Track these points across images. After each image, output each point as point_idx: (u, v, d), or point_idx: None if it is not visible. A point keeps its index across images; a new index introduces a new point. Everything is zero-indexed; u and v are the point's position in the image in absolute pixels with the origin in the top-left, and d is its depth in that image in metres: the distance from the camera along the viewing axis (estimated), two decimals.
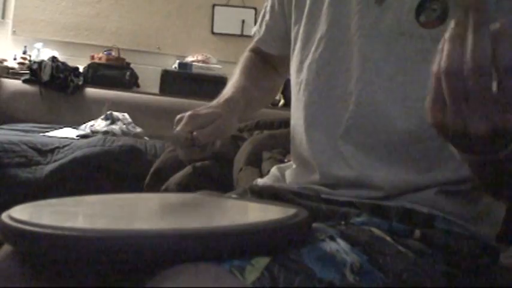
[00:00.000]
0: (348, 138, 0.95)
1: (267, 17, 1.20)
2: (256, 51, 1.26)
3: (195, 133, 0.94)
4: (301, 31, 1.06)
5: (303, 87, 1.03)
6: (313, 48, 1.02)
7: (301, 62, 1.04)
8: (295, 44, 1.08)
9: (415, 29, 0.90)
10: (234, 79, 1.18)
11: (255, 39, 1.24)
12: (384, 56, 0.93)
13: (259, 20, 1.24)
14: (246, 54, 1.28)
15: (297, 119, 1.06)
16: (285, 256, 0.67)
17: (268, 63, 1.25)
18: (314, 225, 0.79)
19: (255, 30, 1.25)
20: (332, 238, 0.76)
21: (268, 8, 1.19)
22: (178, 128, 0.96)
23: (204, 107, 1.02)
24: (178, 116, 0.98)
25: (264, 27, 1.21)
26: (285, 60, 1.15)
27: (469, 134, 0.60)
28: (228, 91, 1.11)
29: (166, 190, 2.34)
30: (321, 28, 1.01)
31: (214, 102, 1.06)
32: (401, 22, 0.91)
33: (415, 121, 0.91)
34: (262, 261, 0.64)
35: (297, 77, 1.05)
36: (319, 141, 0.99)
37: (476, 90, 0.57)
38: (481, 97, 0.57)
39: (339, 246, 0.74)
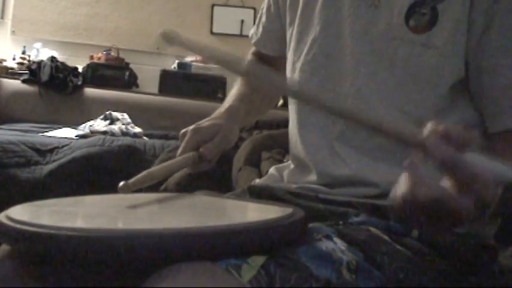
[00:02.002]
0: (343, 140, 0.96)
1: (264, 18, 1.21)
2: (257, 55, 1.27)
3: (201, 149, 0.98)
4: (294, 32, 1.06)
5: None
6: (305, 50, 1.03)
7: (293, 63, 1.06)
8: (289, 45, 1.08)
9: (405, 34, 0.91)
10: (235, 87, 1.20)
11: (253, 41, 1.25)
12: (376, 60, 0.93)
13: (256, 21, 1.25)
14: (248, 58, 1.29)
15: (292, 120, 1.07)
16: (281, 254, 0.67)
17: (270, 66, 1.25)
18: (311, 225, 0.80)
19: (252, 32, 1.25)
20: (328, 237, 0.76)
21: (264, 10, 1.20)
22: (183, 145, 0.98)
23: (207, 119, 1.04)
24: (183, 131, 1.01)
25: (260, 28, 1.22)
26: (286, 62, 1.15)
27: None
28: (229, 100, 1.14)
29: (165, 190, 2.34)
30: (314, 30, 1.02)
31: (216, 112, 1.09)
32: (392, 26, 0.92)
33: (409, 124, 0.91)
34: (258, 260, 0.65)
35: (291, 78, 1.06)
36: (313, 142, 1.00)
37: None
38: None
39: (335, 245, 0.74)
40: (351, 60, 0.95)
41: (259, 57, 1.26)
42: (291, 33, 1.08)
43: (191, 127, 1.01)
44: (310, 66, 1.02)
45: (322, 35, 1.00)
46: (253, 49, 1.29)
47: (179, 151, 0.99)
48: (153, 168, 0.91)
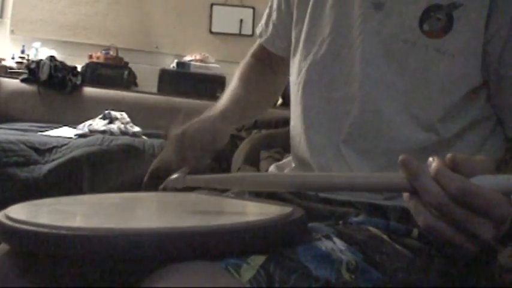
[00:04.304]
0: (350, 143, 0.95)
1: (274, 16, 1.18)
2: (256, 56, 1.25)
3: (189, 163, 0.99)
4: (303, 31, 1.05)
5: (303, 88, 1.02)
6: (314, 50, 1.01)
7: (301, 63, 1.04)
8: (296, 44, 1.07)
9: (418, 38, 0.89)
10: (230, 87, 1.19)
11: (262, 39, 1.22)
12: (386, 63, 0.91)
13: (264, 19, 1.22)
14: (246, 59, 1.27)
15: (296, 120, 1.05)
16: (280, 254, 0.67)
17: (269, 67, 1.24)
18: (311, 224, 0.79)
19: (260, 30, 1.23)
20: (328, 237, 0.76)
21: (274, 7, 1.18)
22: (172, 153, 1.01)
23: (197, 119, 1.05)
24: (170, 131, 1.03)
25: (270, 27, 1.19)
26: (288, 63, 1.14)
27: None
28: (222, 101, 1.13)
29: (164, 189, 2.33)
30: (324, 30, 1.00)
31: (209, 113, 1.09)
32: (405, 29, 0.90)
33: (417, 129, 0.90)
34: (258, 260, 0.64)
35: (297, 77, 1.04)
36: (319, 144, 0.98)
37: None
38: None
39: (334, 245, 0.74)
40: (359, 62, 0.94)
41: (259, 59, 1.25)
42: (299, 32, 1.06)
43: (179, 130, 1.02)
44: (318, 66, 1.00)
45: (332, 34, 0.99)
46: (253, 49, 1.27)
47: (167, 155, 1.00)
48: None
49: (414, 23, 0.89)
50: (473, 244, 0.60)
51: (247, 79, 1.21)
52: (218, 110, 1.09)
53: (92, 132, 3.55)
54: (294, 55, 1.07)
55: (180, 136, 1.01)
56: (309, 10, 1.04)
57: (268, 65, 1.24)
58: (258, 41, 1.25)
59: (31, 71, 4.07)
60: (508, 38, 0.86)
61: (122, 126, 3.70)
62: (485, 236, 0.58)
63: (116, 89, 4.19)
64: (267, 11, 1.21)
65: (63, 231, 0.61)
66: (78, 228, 0.62)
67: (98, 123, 3.68)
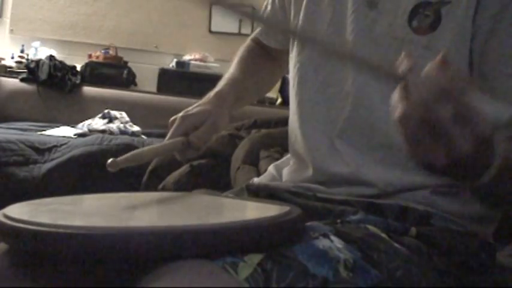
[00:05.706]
0: (344, 137, 0.96)
1: (268, 9, 1.20)
2: (257, 41, 1.27)
3: (190, 136, 0.99)
4: (298, 26, 1.06)
5: (299, 83, 1.03)
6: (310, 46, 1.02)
7: (297, 57, 1.05)
8: (293, 38, 1.08)
9: (407, 34, 0.90)
10: (229, 71, 1.20)
11: (257, 30, 1.25)
12: (378, 59, 0.92)
13: (262, 11, 1.24)
14: (246, 43, 1.28)
15: (293, 114, 1.06)
16: (278, 252, 0.67)
17: (267, 54, 1.25)
18: (309, 223, 0.80)
19: None
20: (326, 235, 0.76)
21: (269, 0, 1.20)
22: (171, 131, 1.00)
23: (195, 104, 1.05)
24: (172, 118, 1.01)
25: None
26: (285, 54, 1.15)
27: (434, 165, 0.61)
28: (219, 84, 1.14)
29: (164, 189, 2.34)
30: (320, 26, 1.01)
31: (205, 97, 1.09)
32: (394, 26, 0.92)
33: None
34: (255, 258, 0.65)
35: (294, 71, 1.06)
36: (314, 138, 0.99)
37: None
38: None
39: (332, 243, 0.74)
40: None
41: (259, 44, 1.26)
42: (295, 27, 1.07)
43: (180, 114, 1.02)
44: (315, 62, 1.01)
45: (328, 31, 1.00)
46: (253, 35, 1.28)
47: (167, 137, 1.00)
48: (142, 149, 0.94)
49: (403, 19, 0.91)
50: (445, 153, 0.58)
51: (245, 63, 1.22)
52: (214, 93, 1.10)
53: (91, 131, 3.55)
54: (292, 50, 1.08)
55: (181, 119, 1.01)
56: (303, 4, 1.05)
57: (267, 52, 1.25)
58: (255, 33, 1.26)
59: (30, 71, 4.07)
60: (490, 35, 0.87)
61: (122, 125, 3.70)
62: (460, 144, 0.57)
63: (116, 89, 4.19)
64: (265, 2, 1.22)
65: (62, 230, 0.61)
66: (77, 228, 0.62)
67: (97, 123, 3.68)
